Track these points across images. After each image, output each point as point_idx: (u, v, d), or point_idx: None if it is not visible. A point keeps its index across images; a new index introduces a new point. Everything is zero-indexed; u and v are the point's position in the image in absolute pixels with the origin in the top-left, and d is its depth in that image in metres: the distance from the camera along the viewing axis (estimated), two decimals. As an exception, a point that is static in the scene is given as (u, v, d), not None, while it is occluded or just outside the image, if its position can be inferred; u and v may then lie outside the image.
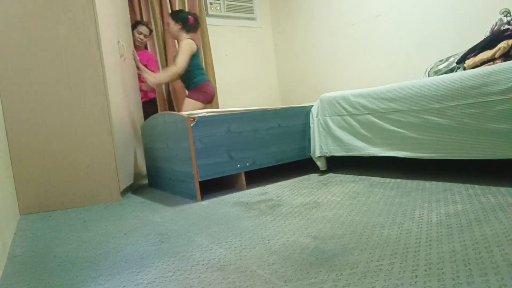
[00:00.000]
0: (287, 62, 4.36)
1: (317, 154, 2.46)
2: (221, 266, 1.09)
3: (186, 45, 2.90)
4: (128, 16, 3.27)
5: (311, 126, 2.53)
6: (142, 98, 3.34)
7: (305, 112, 2.61)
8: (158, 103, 3.57)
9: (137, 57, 3.16)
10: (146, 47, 3.55)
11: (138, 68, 3.13)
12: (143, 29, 3.33)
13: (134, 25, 3.32)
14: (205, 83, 3.02)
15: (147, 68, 3.20)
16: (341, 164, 2.74)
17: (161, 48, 3.56)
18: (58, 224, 1.91)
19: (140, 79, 3.25)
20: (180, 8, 3.64)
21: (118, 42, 2.68)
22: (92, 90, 2.25)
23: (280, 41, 4.42)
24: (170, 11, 3.57)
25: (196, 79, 2.97)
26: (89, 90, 2.25)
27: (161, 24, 3.56)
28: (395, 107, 1.98)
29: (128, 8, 3.30)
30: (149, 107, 3.45)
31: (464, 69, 2.07)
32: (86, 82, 2.25)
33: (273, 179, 2.50)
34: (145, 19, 3.50)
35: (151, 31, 3.43)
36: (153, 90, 3.51)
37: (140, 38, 3.33)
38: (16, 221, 2.06)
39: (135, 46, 3.30)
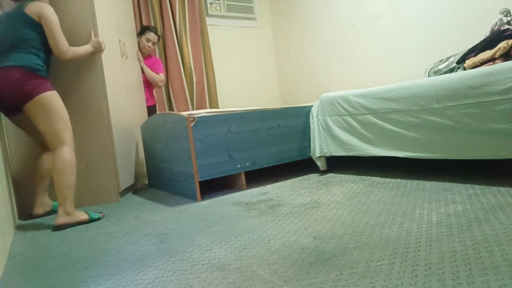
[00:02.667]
0: (287, 62, 4.36)
1: (317, 154, 2.46)
2: (221, 266, 1.09)
3: None
4: (132, 17, 3.25)
5: (311, 126, 2.53)
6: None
7: (305, 112, 2.61)
8: (157, 110, 3.54)
9: (141, 57, 3.15)
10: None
11: (142, 68, 3.13)
12: (151, 36, 3.18)
13: (142, 30, 3.23)
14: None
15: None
16: (341, 164, 2.74)
17: (160, 50, 3.56)
18: (58, 224, 1.91)
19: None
20: (180, 8, 3.64)
21: (120, 41, 2.68)
22: (90, 90, 2.25)
23: (280, 41, 4.42)
24: (170, 11, 3.56)
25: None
26: (88, 90, 2.25)
27: (161, 24, 3.56)
28: (395, 107, 1.98)
29: (132, 9, 3.29)
30: (149, 113, 3.38)
31: (464, 69, 2.07)
32: (85, 82, 2.24)
33: (273, 179, 2.50)
34: (144, 19, 3.49)
35: (159, 37, 3.31)
36: (152, 97, 3.41)
37: (148, 46, 3.18)
38: (16, 221, 2.06)
39: (142, 53, 3.20)
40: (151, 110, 3.33)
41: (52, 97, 1.87)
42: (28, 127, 2.01)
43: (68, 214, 1.81)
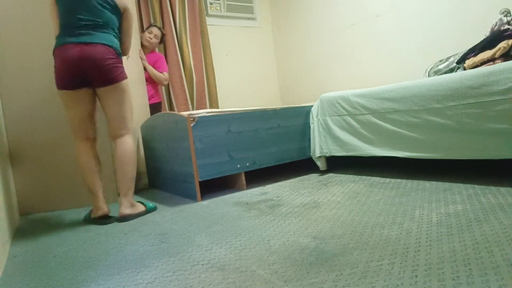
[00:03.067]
0: (287, 62, 4.36)
1: (317, 154, 2.46)
2: (221, 266, 1.09)
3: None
4: (135, 11, 3.24)
5: (311, 126, 2.53)
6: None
7: (305, 112, 2.61)
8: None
9: (144, 56, 3.12)
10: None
11: (144, 67, 3.11)
12: (155, 30, 3.15)
13: (147, 28, 3.20)
14: None
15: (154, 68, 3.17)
16: (341, 164, 2.74)
17: (160, 50, 3.56)
18: (58, 224, 1.91)
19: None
20: (180, 8, 3.64)
21: None
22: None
23: (280, 41, 4.42)
24: (170, 11, 3.56)
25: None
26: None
27: (161, 24, 3.56)
28: (395, 107, 1.98)
29: (135, 3, 3.28)
30: (153, 111, 3.34)
31: (464, 69, 2.07)
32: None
33: (273, 179, 2.50)
34: (144, 19, 3.49)
35: (163, 34, 3.28)
36: (157, 94, 3.35)
37: (149, 37, 3.11)
38: (16, 221, 2.06)
39: (142, 46, 3.15)
40: (156, 108, 3.22)
41: (129, 86, 1.89)
42: (81, 106, 1.82)
43: (132, 205, 1.84)
